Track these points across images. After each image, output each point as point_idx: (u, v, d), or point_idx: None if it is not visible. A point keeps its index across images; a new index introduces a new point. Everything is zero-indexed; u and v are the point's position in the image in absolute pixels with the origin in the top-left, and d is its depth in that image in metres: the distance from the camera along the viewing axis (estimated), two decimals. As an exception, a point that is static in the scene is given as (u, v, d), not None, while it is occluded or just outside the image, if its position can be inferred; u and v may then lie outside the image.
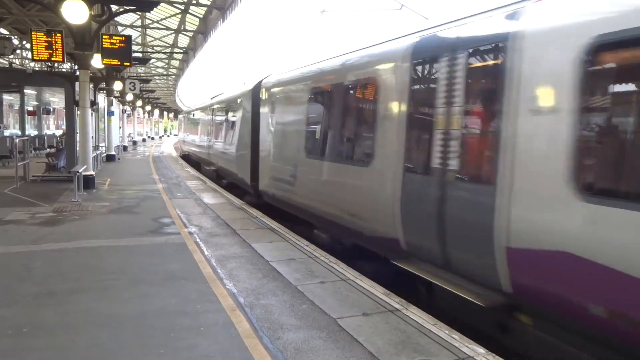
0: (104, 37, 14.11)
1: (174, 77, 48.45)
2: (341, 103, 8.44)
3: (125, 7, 14.94)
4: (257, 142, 12.39)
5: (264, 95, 12.20)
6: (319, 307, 5.31)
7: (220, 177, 18.43)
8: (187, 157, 31.30)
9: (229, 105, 17.20)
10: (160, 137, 76.00)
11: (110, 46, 14.10)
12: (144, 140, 58.70)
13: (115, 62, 14.57)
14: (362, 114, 7.89)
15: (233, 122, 15.84)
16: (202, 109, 24.76)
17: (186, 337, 4.53)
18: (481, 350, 4.42)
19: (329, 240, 8.81)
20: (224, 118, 18.06)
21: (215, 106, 20.39)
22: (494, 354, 4.35)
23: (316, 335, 4.60)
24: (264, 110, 12.09)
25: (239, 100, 15.08)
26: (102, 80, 23.56)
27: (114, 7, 14.62)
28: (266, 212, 11.24)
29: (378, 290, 5.92)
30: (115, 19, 20.98)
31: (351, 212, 7.62)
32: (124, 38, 14.53)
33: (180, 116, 46.22)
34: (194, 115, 28.53)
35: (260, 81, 12.92)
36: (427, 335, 4.70)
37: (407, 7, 18.79)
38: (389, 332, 4.75)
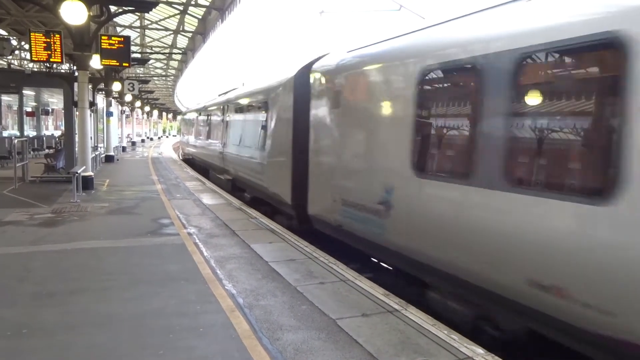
0: (103, 37, 14.11)
1: (172, 77, 48.47)
2: (514, 87, 4.77)
3: (124, 7, 14.94)
4: (302, 147, 9.25)
5: (318, 83, 8.85)
6: (318, 308, 5.31)
7: (240, 189, 15.07)
8: (190, 162, 28.06)
9: (253, 100, 13.68)
10: (159, 138, 75.94)
11: (109, 47, 14.10)
12: (142, 141, 58.65)
13: (114, 62, 14.56)
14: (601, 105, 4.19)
15: (261, 121, 12.42)
16: (211, 107, 20.97)
17: (185, 337, 4.53)
18: (480, 350, 4.43)
19: (473, 316, 5.49)
20: (245, 116, 14.68)
21: (231, 103, 16.69)
22: (493, 354, 4.36)
23: (315, 336, 4.61)
24: (318, 103, 8.73)
25: (272, 94, 11.56)
26: (100, 81, 23.55)
27: (112, 8, 14.61)
28: (318, 244, 8.39)
29: (377, 291, 5.92)
30: (114, 19, 20.97)
31: (548, 285, 4.24)
32: (122, 39, 14.52)
33: (181, 116, 39.42)
34: (200, 114, 24.26)
35: (310, 64, 9.50)
36: (427, 335, 4.70)
37: (406, 7, 18.83)
38: (388, 332, 4.76)
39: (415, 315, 5.22)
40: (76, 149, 16.30)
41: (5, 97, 27.92)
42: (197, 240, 8.30)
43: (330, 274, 6.59)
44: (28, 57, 22.11)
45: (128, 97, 33.74)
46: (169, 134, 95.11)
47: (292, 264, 7.04)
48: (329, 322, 4.96)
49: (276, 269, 6.75)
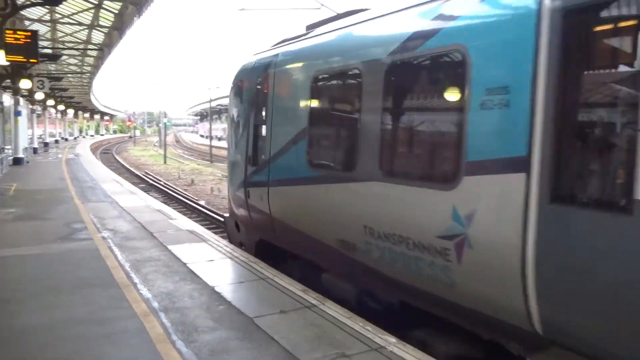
0: (7, 32, 13.25)
1: (88, 75, 46.16)
2: None
3: (31, 0, 14.08)
4: None
5: None
6: (236, 308, 5.29)
7: None
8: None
9: None
10: (75, 138, 72.11)
11: (14, 41, 13.26)
12: (56, 141, 55.40)
13: (20, 58, 13.72)
14: None
15: None
16: None
17: (96, 346, 4.36)
18: (392, 339, 4.60)
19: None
20: None
21: None
22: (404, 342, 4.54)
23: (232, 336, 4.59)
24: None
25: None
26: (7, 77, 22.02)
27: (19, 0, 13.73)
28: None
29: (296, 287, 5.99)
30: (21, 12, 19.65)
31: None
32: (29, 33, 13.72)
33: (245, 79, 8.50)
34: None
35: None
36: (342, 329, 4.82)
37: (327, 6, 19.09)
38: (305, 328, 4.83)
39: (332, 309, 5.32)
40: (-22, 151, 15.18)
41: None
42: (112, 244, 7.98)
43: (249, 272, 6.58)
44: None
45: (40, 95, 31.76)
46: (86, 134, 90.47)
47: (212, 264, 6.96)
48: (246, 321, 4.95)
49: (194, 270, 6.63)
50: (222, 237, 10.29)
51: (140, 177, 27.79)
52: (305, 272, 6.81)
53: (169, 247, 7.86)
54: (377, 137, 5.14)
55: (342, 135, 6.28)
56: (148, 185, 23.93)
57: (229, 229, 9.41)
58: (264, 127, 7.46)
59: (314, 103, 6.36)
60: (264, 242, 7.70)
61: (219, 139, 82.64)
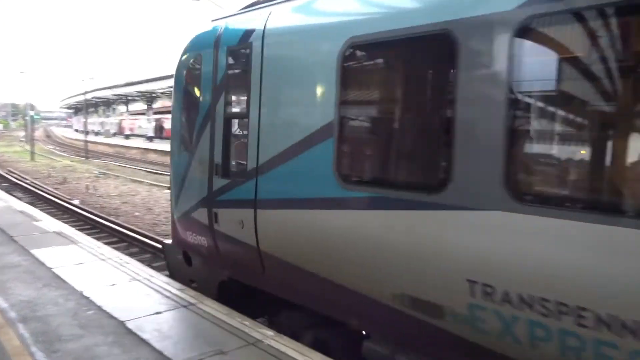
0: None
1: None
2: None
3: None
4: None
5: None
6: (106, 312, 5.01)
7: None
8: None
9: None
10: None
11: None
12: None
13: None
14: None
15: None
16: None
17: (-62, 366, 3.90)
18: (270, 332, 4.65)
19: None
20: None
21: None
22: (282, 335, 4.60)
23: (101, 342, 4.34)
24: None
25: None
26: None
27: None
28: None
29: (173, 287, 5.82)
30: None
31: None
32: None
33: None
34: None
35: None
36: (220, 325, 4.77)
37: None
38: (181, 328, 4.73)
39: (210, 307, 5.25)
40: None
41: None
42: (-38, 252, 7.16)
43: (123, 273, 6.26)
44: None
45: None
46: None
47: (80, 267, 6.51)
48: (117, 325, 4.71)
49: (60, 275, 6.16)
50: (96, 238, 9.69)
51: (2, 175, 25.18)
52: (319, 332, 4.90)
53: (32, 251, 7.21)
54: (500, 141, 3.19)
55: (413, 135, 4.11)
56: (11, 185, 21.74)
57: (173, 260, 6.77)
58: (244, 121, 5.27)
59: (348, 85, 4.29)
60: (236, 282, 5.70)
61: (96, 133, 77.73)
